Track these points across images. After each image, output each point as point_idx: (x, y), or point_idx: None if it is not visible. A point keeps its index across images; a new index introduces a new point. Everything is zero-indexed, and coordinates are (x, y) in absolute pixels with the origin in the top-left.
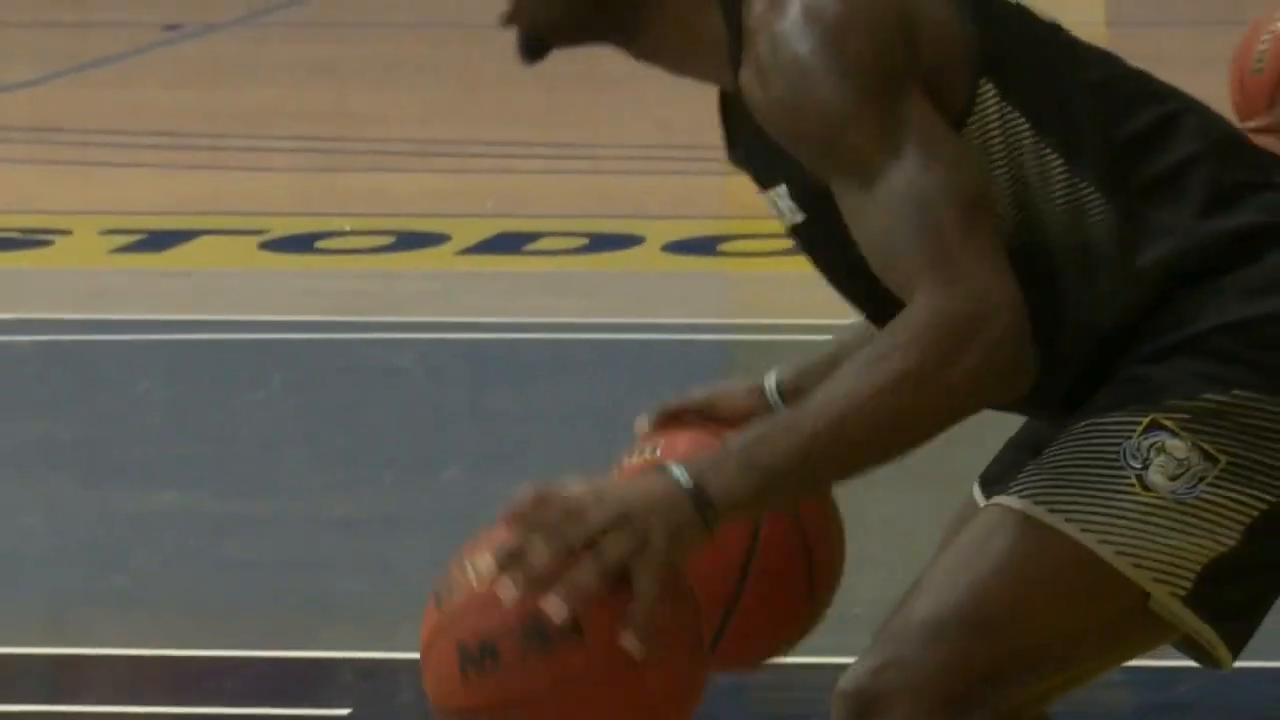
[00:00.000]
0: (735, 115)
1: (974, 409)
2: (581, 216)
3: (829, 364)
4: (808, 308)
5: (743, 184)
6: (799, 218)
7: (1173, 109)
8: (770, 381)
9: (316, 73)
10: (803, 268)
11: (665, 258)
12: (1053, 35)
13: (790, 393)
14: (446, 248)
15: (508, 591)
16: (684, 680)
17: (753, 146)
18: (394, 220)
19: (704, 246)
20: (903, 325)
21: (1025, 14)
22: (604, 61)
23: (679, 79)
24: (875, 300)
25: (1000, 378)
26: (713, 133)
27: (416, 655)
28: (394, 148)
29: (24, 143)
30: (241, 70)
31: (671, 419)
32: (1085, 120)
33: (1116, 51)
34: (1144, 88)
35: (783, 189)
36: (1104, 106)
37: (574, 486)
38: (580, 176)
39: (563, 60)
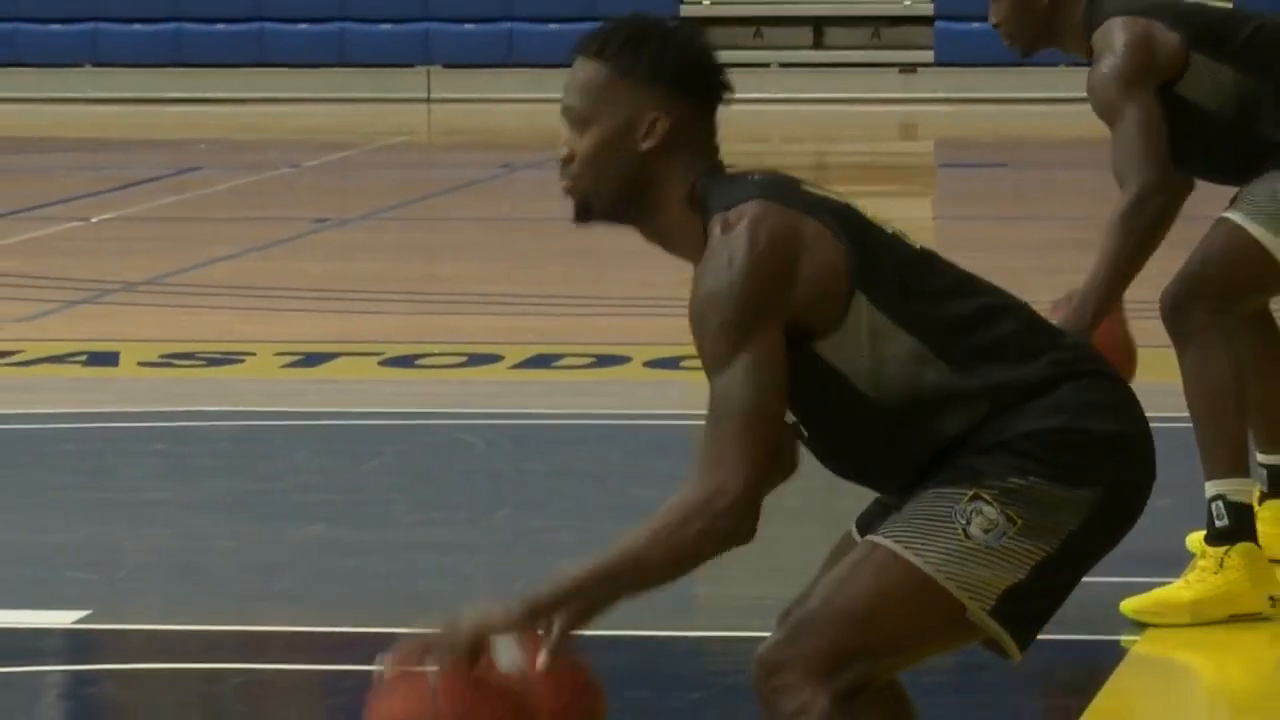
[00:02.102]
0: None
1: (704, 557)
2: (590, 343)
3: None
4: None
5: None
6: None
7: (990, 301)
8: None
9: (414, 251)
10: None
11: (646, 371)
12: (911, 253)
13: None
14: (500, 364)
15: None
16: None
17: None
18: (466, 346)
19: (671, 363)
20: (669, 502)
21: (894, 240)
22: (605, 245)
23: (660, 263)
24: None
25: (717, 540)
26: (679, 288)
27: None
28: (466, 299)
29: (225, 296)
30: (366, 248)
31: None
32: (930, 310)
33: (941, 236)
34: (970, 285)
35: None
36: (944, 300)
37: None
38: (590, 318)
39: (579, 244)
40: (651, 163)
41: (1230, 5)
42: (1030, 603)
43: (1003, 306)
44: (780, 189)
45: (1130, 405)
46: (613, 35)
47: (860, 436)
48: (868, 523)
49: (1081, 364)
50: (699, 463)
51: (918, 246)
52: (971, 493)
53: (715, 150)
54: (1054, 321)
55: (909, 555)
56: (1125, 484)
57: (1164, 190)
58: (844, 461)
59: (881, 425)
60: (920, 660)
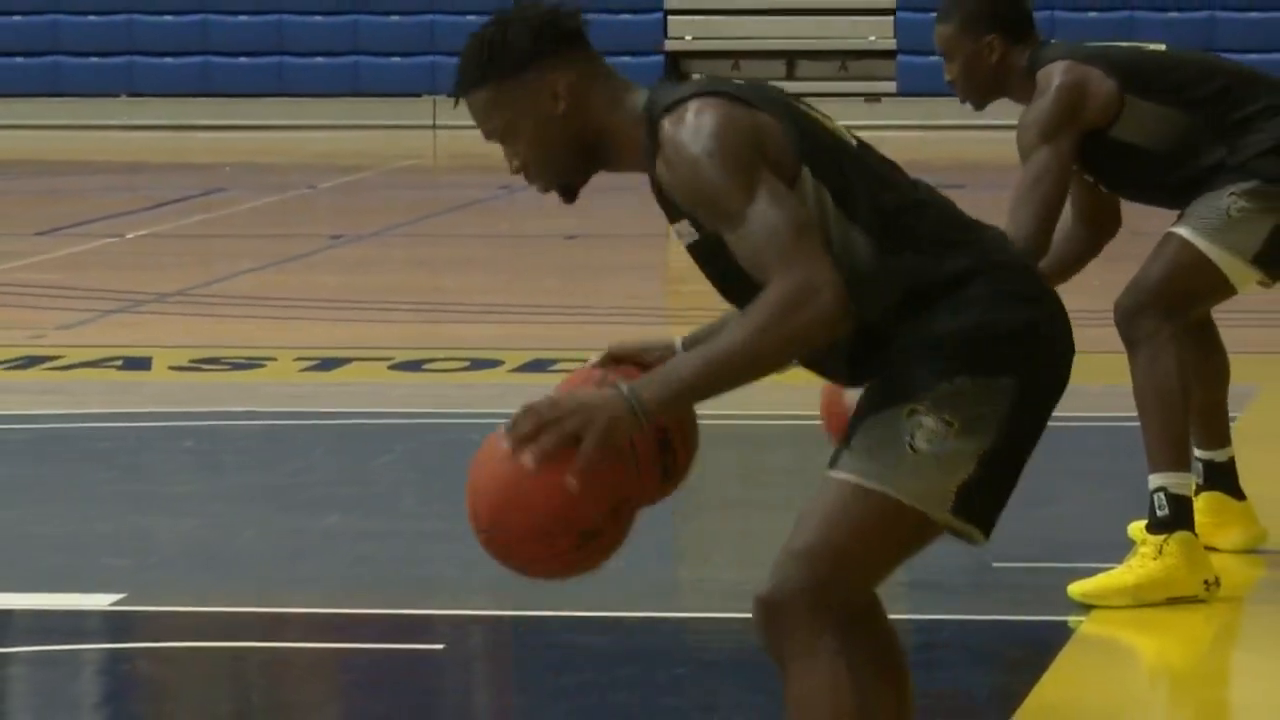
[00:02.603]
0: (657, 187)
1: (809, 346)
2: (584, 349)
3: (717, 326)
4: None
5: (676, 330)
6: (694, 238)
7: (916, 192)
8: (678, 342)
9: (420, 265)
10: None
11: None
12: (844, 140)
13: (690, 344)
14: (500, 369)
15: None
16: (607, 497)
17: (665, 201)
18: (468, 352)
19: None
20: (762, 299)
21: (833, 128)
22: (596, 260)
23: (646, 277)
24: (743, 296)
25: (824, 327)
26: (665, 299)
27: (485, 613)
28: (467, 309)
29: (248, 306)
30: (377, 263)
31: (612, 359)
32: (864, 193)
33: None
34: (899, 175)
35: (685, 223)
36: (876, 185)
37: (554, 394)
38: (582, 325)
39: (573, 258)
40: (579, 118)
41: (1164, 47)
42: (985, 492)
43: (927, 198)
44: (718, 84)
45: (1040, 290)
46: (470, 64)
47: None
48: (829, 462)
49: (995, 254)
50: (776, 268)
51: (854, 138)
52: (908, 409)
53: (609, 69)
54: None
55: (867, 483)
56: (1043, 366)
57: (1026, 247)
58: None
59: None
60: (896, 567)
